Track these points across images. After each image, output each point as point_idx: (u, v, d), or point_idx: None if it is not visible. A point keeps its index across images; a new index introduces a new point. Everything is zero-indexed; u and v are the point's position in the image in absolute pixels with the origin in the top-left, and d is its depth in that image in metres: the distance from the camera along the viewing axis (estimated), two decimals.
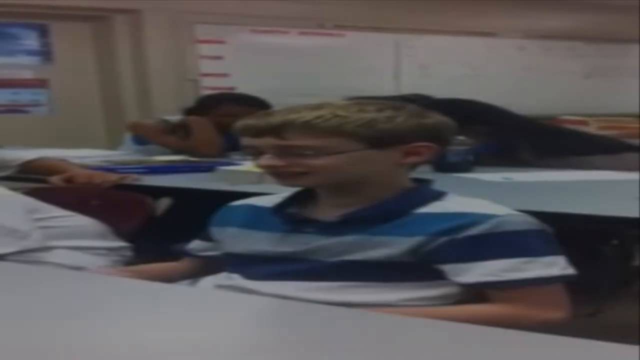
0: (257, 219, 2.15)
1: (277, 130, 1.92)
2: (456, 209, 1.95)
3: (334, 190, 2.04)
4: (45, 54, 8.12)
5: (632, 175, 3.50)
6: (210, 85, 8.25)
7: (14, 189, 3.04)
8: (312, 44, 9.12)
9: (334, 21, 9.17)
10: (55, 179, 3.59)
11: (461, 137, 3.85)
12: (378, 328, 1.43)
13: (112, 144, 6.46)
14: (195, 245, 2.37)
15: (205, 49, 8.57)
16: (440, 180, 3.49)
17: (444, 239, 1.88)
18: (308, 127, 1.90)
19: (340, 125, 1.90)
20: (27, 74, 8.04)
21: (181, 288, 1.92)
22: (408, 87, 8.48)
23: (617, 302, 4.10)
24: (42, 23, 8.05)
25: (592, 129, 6.53)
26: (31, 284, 1.83)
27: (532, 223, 1.92)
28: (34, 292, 1.72)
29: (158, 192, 3.70)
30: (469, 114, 4.35)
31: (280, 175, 2.00)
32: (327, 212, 2.04)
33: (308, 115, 1.91)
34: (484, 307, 1.88)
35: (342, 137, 1.90)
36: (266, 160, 1.97)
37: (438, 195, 2.03)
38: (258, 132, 1.95)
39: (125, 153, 5.06)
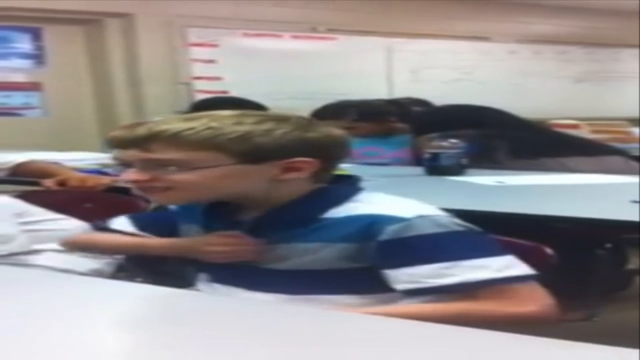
0: (195, 214, 2.06)
1: (142, 142, 1.82)
2: (364, 210, 1.85)
3: (224, 201, 1.96)
4: (38, 57, 8.12)
5: (624, 179, 3.51)
6: (202, 89, 8.25)
7: (4, 192, 3.04)
8: (305, 47, 9.13)
9: (327, 25, 9.18)
10: (48, 182, 3.58)
11: (454, 141, 3.86)
12: (364, 330, 1.42)
13: (105, 147, 6.46)
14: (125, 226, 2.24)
15: (198, 53, 8.57)
16: (432, 184, 3.51)
17: (363, 245, 1.81)
18: (175, 139, 1.79)
19: (212, 138, 1.80)
20: (20, 77, 8.03)
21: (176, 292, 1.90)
22: (400, 90, 8.50)
23: (612, 306, 4.10)
24: (35, 26, 8.05)
25: (584, 132, 6.53)
26: (20, 286, 1.82)
27: (450, 225, 1.83)
28: (23, 294, 1.72)
29: None
30: (477, 120, 4.37)
31: (145, 190, 1.91)
32: (246, 213, 1.97)
33: (178, 127, 1.80)
34: (452, 305, 1.78)
35: (213, 150, 1.80)
36: (130, 174, 1.87)
37: (348, 195, 1.92)
38: (126, 143, 1.87)
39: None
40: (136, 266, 2.97)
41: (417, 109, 5.64)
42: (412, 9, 9.26)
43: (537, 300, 1.77)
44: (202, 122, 1.81)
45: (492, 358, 1.27)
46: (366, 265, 1.82)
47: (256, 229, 1.91)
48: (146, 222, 2.22)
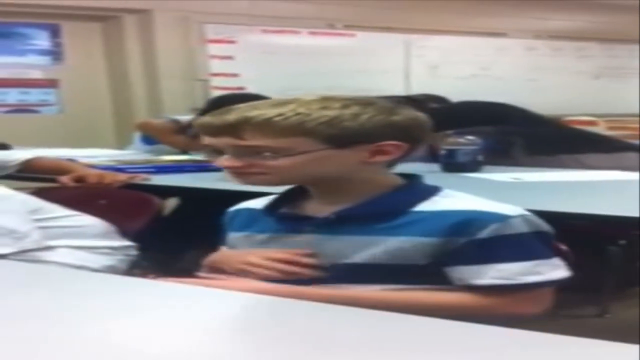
0: (252, 222, 2.07)
1: (233, 130, 1.82)
2: (459, 206, 1.86)
3: (317, 187, 1.96)
4: (56, 53, 8.15)
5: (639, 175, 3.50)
6: (219, 85, 8.26)
7: (20, 189, 3.04)
8: (322, 44, 9.14)
9: (344, 21, 9.18)
10: (65, 179, 3.59)
11: (470, 137, 3.84)
12: (374, 326, 1.42)
13: (121, 144, 6.48)
14: None
15: (216, 49, 8.57)
16: (449, 180, 3.50)
17: (457, 240, 1.81)
18: (266, 126, 1.80)
19: (301, 123, 1.80)
20: (37, 74, 8.06)
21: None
22: (417, 87, 8.50)
23: (625, 302, 4.09)
24: (53, 23, 8.08)
25: (601, 129, 6.51)
26: (36, 282, 1.83)
27: (539, 225, 1.86)
28: (40, 290, 1.72)
29: (166, 191, 3.69)
30: (495, 116, 4.36)
31: (240, 175, 1.91)
32: (320, 209, 1.95)
33: (268, 113, 1.81)
34: (461, 296, 1.83)
35: (303, 136, 1.81)
36: (224, 160, 1.88)
37: (433, 191, 1.93)
38: (216, 130, 1.86)
39: (133, 153, 5.06)
40: (151, 263, 2.98)
41: (433, 105, 5.63)
42: (430, 5, 9.24)
43: (547, 302, 1.85)
44: (290, 108, 1.81)
45: (495, 353, 1.27)
46: (433, 261, 1.84)
47: (336, 224, 1.91)
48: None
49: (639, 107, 9.20)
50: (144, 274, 2.46)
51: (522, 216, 1.84)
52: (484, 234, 1.80)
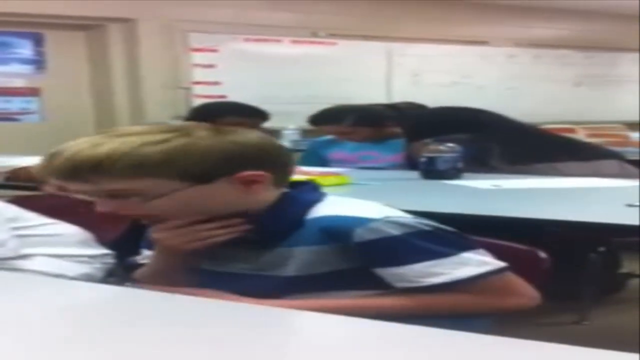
0: None
1: (75, 175, 1.75)
2: (331, 212, 1.83)
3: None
4: (39, 62, 8.14)
5: (618, 182, 3.51)
6: (201, 94, 8.26)
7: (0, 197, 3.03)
8: (305, 52, 9.16)
9: (327, 30, 9.21)
10: (47, 187, 3.57)
11: (450, 145, 3.85)
12: (361, 333, 1.42)
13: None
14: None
15: (198, 58, 8.58)
16: (428, 188, 3.51)
17: (342, 245, 1.78)
18: (100, 170, 1.71)
19: (136, 166, 1.71)
20: (19, 82, 8.04)
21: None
22: (399, 95, 8.51)
23: (604, 309, 4.10)
24: (36, 32, 8.07)
25: (579, 137, 6.52)
26: (12, 290, 1.82)
27: (414, 225, 1.80)
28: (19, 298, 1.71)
29: None
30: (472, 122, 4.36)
31: (124, 218, 1.91)
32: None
33: (95, 155, 1.71)
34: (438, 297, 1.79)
35: (150, 177, 1.73)
36: (100, 206, 1.81)
37: (319, 198, 1.90)
38: (62, 176, 1.78)
39: None
40: (126, 271, 2.96)
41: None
42: (412, 14, 9.28)
43: (521, 290, 1.82)
44: (112, 147, 1.72)
45: None
46: (356, 265, 1.81)
47: (243, 241, 1.87)
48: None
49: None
50: (120, 282, 2.45)
51: (390, 218, 1.80)
52: (356, 239, 1.77)
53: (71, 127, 8.06)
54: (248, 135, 1.86)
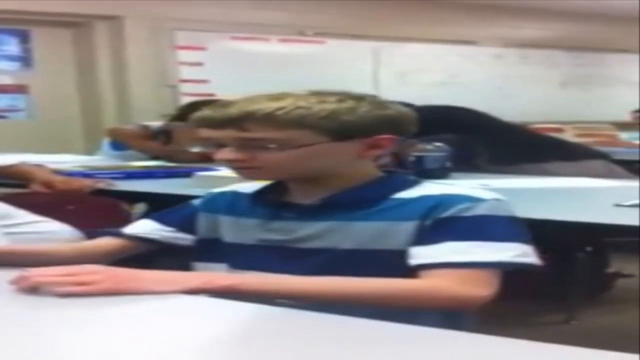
0: (238, 206, 2.06)
1: (236, 122, 1.85)
2: (434, 191, 1.89)
3: (301, 182, 1.97)
4: (25, 59, 8.11)
5: (606, 182, 3.52)
6: (189, 92, 8.25)
7: None
8: (293, 51, 9.16)
9: (314, 29, 9.21)
10: (34, 185, 3.57)
11: (438, 144, 3.85)
12: (363, 334, 1.42)
13: (90, 150, 6.45)
14: (147, 227, 2.18)
15: (185, 55, 8.57)
16: None
17: (425, 223, 1.82)
18: (268, 119, 1.83)
19: (303, 117, 1.84)
20: (6, 80, 8.02)
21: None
22: (386, 94, 8.39)
23: (592, 309, 4.11)
24: (22, 29, 8.05)
25: (568, 136, 6.53)
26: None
27: (502, 209, 1.86)
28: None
29: (134, 197, 3.68)
30: (455, 121, 4.36)
31: (241, 169, 1.94)
32: (305, 197, 1.96)
33: (269, 107, 1.84)
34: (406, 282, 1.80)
35: (304, 129, 1.84)
36: (226, 153, 1.90)
37: (414, 182, 1.96)
38: (218, 123, 1.87)
39: (102, 159, 5.05)
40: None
41: None
42: (400, 13, 9.28)
43: (491, 284, 1.79)
44: (289, 102, 1.86)
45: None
46: (408, 247, 1.84)
47: (319, 210, 1.93)
48: (172, 218, 2.19)
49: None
50: None
51: (492, 200, 1.86)
52: (445, 214, 1.82)
53: (58, 124, 8.06)
54: (401, 108, 1.97)
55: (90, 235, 2.37)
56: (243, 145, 1.87)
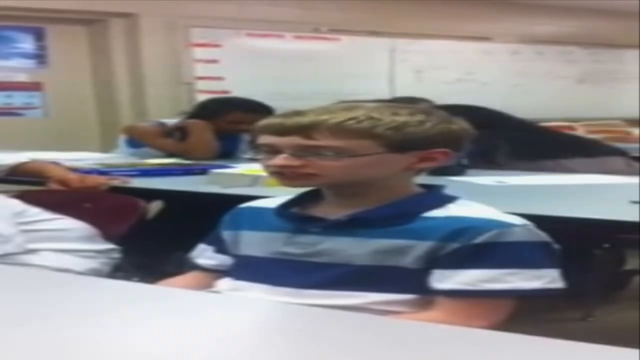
0: (260, 220, 2.06)
1: (305, 130, 1.87)
2: (467, 213, 1.89)
3: (340, 191, 1.97)
4: (41, 57, 8.12)
5: (624, 179, 3.51)
6: (204, 89, 8.25)
7: (3, 192, 3.03)
8: (308, 48, 9.14)
9: (329, 25, 9.18)
10: (50, 182, 3.58)
11: None
12: (374, 331, 1.42)
13: (106, 147, 6.46)
14: (209, 258, 2.19)
15: (201, 53, 8.57)
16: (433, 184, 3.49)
17: (451, 245, 1.82)
18: (338, 128, 1.85)
19: (372, 127, 1.86)
20: (22, 77, 8.04)
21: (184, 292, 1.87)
22: (402, 91, 8.49)
23: (609, 306, 4.10)
24: (38, 26, 8.06)
25: (579, 134, 6.51)
26: (19, 286, 1.82)
27: (535, 234, 1.87)
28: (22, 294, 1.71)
29: (151, 195, 3.69)
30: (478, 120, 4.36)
31: (288, 175, 1.92)
32: (332, 211, 1.97)
33: (341, 116, 1.86)
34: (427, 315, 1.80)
35: (369, 139, 1.86)
36: (282, 159, 1.89)
37: (449, 199, 1.96)
38: (284, 130, 1.89)
39: (119, 156, 5.05)
40: (134, 266, 2.97)
41: None
42: (415, 10, 9.25)
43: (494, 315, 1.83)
44: (362, 112, 1.88)
45: (488, 357, 1.27)
46: (423, 266, 1.85)
47: (344, 227, 1.93)
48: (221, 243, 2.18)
49: None
50: (127, 277, 2.46)
51: (524, 226, 1.86)
52: (478, 239, 1.81)
53: (74, 121, 8.08)
54: (464, 124, 2.00)
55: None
56: (301, 152, 1.89)
